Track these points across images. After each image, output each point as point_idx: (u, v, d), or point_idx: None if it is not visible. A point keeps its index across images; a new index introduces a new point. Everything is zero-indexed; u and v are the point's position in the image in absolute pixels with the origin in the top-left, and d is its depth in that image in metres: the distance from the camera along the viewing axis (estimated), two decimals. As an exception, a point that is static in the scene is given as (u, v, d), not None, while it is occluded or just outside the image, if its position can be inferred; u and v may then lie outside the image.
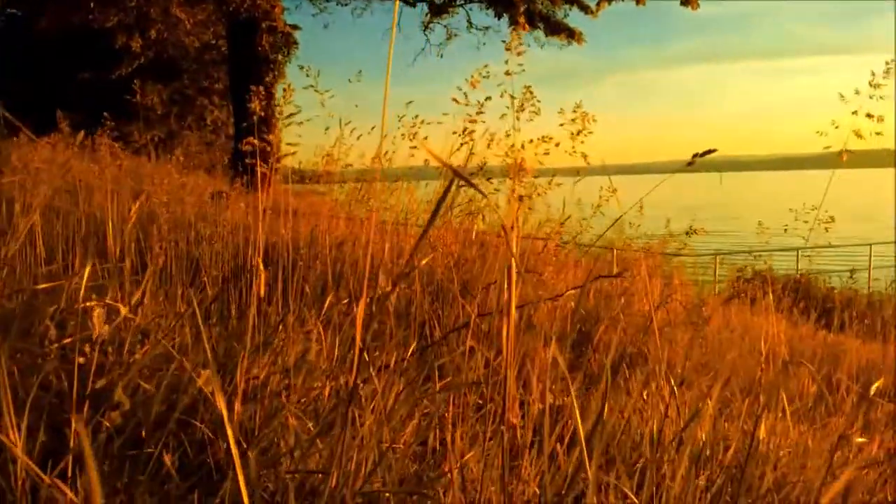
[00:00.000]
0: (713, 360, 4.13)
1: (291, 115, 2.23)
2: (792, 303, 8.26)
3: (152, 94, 23.86)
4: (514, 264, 1.22)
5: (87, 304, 1.41)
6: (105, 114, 3.82)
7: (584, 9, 17.16)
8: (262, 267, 1.72)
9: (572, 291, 2.51)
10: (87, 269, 1.38)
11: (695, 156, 1.96)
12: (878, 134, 1.95)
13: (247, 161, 2.72)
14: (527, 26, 17.11)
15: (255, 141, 2.18)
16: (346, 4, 19.53)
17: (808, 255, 12.07)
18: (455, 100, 2.92)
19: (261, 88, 2.38)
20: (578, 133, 2.55)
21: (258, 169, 2.41)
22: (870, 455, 2.25)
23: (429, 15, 19.28)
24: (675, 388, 1.89)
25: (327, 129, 4.48)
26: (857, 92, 1.96)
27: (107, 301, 1.42)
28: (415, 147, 4.89)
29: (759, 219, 7.10)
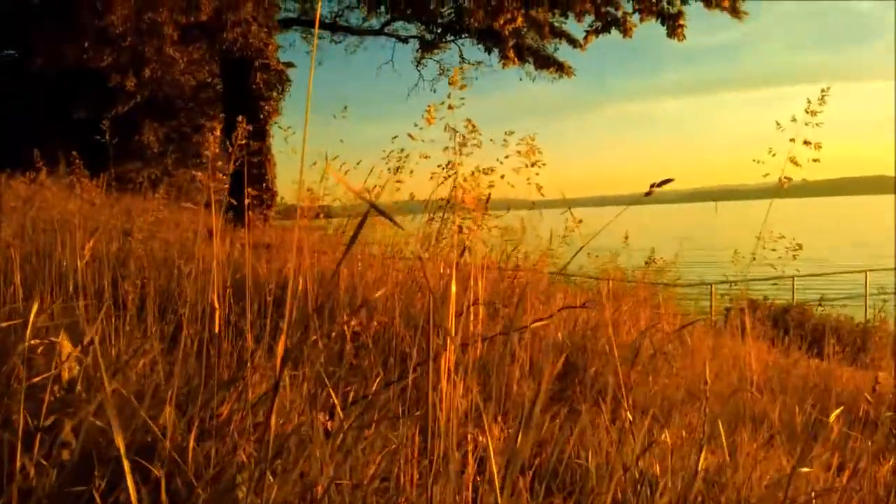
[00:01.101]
0: (697, 390, 4.12)
1: (242, 152, 2.27)
2: (783, 331, 8.24)
3: (149, 132, 24.10)
4: (453, 300, 1.23)
5: (33, 341, 1.41)
6: (73, 153, 3.86)
7: (573, 42, 17.42)
8: (217, 304, 1.73)
9: (544, 321, 2.51)
10: (35, 308, 1.39)
11: (652, 186, 1.99)
12: (815, 161, 1.99)
13: (229, 199, 2.76)
14: (517, 60, 17.37)
15: (204, 176, 2.22)
16: (339, 42, 19.86)
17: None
18: (410, 136, 2.98)
19: (216, 125, 2.43)
20: (533, 164, 2.60)
21: (227, 200, 2.45)
22: (841, 483, 2.24)
23: (420, 51, 19.57)
24: (630, 419, 1.89)
25: (314, 163, 4.51)
26: (793, 119, 2.00)
27: (51, 339, 1.43)
28: (399, 181, 4.94)
29: (745, 247, 7.12)
